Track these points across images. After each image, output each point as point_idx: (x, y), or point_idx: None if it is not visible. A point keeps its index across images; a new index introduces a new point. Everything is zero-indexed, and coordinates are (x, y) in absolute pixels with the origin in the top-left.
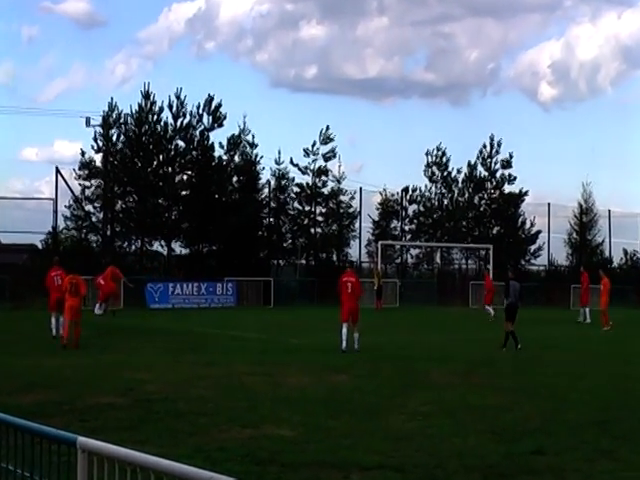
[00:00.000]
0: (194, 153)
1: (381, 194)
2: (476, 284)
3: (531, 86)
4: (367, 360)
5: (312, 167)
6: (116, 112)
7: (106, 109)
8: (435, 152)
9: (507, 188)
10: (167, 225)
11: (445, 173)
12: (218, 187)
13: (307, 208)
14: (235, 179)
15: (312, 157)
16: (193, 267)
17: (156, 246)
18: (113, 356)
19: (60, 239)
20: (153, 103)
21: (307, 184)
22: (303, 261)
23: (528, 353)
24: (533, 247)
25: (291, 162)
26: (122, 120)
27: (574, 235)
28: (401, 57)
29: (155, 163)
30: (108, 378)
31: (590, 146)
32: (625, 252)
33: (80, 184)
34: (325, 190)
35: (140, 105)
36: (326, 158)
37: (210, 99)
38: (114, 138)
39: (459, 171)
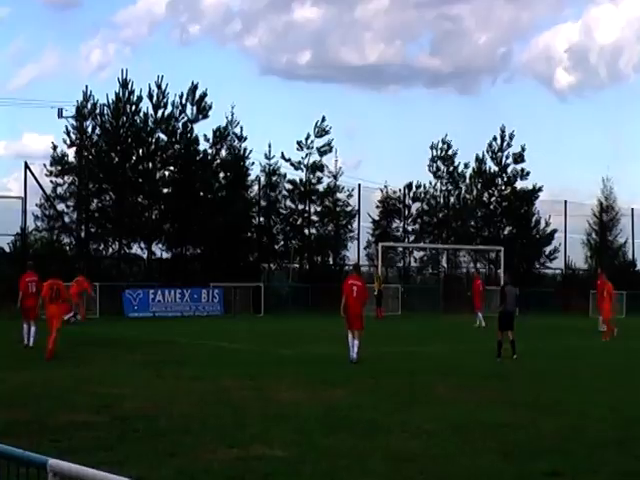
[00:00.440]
0: (177, 147)
1: (381, 191)
2: (486, 289)
3: (546, 73)
4: (366, 373)
5: (306, 162)
6: (91, 102)
7: (80, 99)
8: (440, 145)
9: (519, 184)
10: (147, 226)
11: (451, 168)
12: (203, 184)
13: (300, 207)
14: (222, 175)
15: (306, 151)
16: (176, 272)
17: (135, 249)
18: (88, 369)
19: (30, 241)
20: (132, 92)
21: (300, 180)
22: (296, 265)
23: (542, 365)
24: (548, 249)
25: (283, 157)
26: (98, 111)
27: (593, 235)
28: (403, 41)
29: (134, 158)
30: (82, 394)
31: (611, 138)
32: None
33: (52, 181)
34: (320, 187)
35: (117, 94)
36: (321, 152)
37: (194, 88)
38: (89, 130)
39: (467, 166)
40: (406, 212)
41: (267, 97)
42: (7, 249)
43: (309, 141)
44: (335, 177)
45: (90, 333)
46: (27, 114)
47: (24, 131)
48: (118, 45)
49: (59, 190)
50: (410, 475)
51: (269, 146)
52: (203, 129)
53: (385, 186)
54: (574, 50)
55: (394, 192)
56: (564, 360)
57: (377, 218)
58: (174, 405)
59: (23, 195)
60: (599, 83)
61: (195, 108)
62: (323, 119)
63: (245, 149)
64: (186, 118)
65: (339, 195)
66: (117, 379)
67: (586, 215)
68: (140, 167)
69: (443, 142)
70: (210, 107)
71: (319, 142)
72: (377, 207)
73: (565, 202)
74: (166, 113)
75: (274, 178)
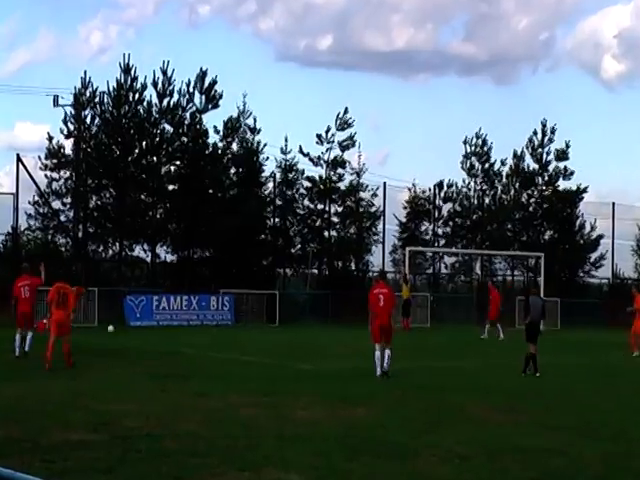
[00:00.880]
0: (183, 139)
1: (409, 190)
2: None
3: (593, 61)
4: (392, 390)
5: (326, 157)
6: (90, 89)
7: (78, 85)
8: (475, 140)
9: (562, 184)
10: (151, 226)
11: (487, 165)
12: (212, 181)
13: (320, 207)
14: (233, 171)
15: (326, 145)
16: (182, 277)
17: (137, 251)
18: (85, 383)
19: (22, 241)
20: (135, 79)
21: (320, 178)
22: (315, 270)
23: (584, 384)
24: (594, 256)
25: (301, 151)
26: (97, 99)
27: None
28: (435, 25)
29: (137, 151)
30: (79, 409)
31: None
32: None
33: (46, 175)
34: (342, 185)
35: (119, 81)
36: (343, 147)
37: (203, 75)
38: (87, 121)
39: (504, 163)
40: (436, 214)
41: (283, 85)
42: None
43: (330, 134)
44: (358, 174)
45: (88, 343)
46: (20, 102)
47: (16, 120)
48: (120, 27)
49: (54, 186)
50: None
51: (285, 139)
52: (213, 120)
53: (413, 185)
54: (624, 36)
55: (423, 191)
56: (608, 378)
57: (404, 220)
58: (180, 423)
59: (15, 191)
60: None
61: (204, 97)
62: (346, 110)
63: (259, 142)
64: (194, 108)
65: (362, 194)
66: (117, 394)
67: (636, 219)
68: (143, 161)
69: (477, 137)
70: (221, 96)
71: (341, 135)
72: (404, 208)
73: (613, 204)
74: (172, 102)
75: (291, 175)
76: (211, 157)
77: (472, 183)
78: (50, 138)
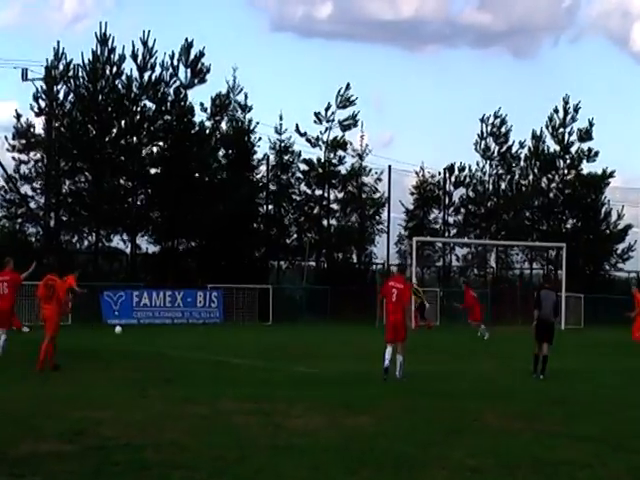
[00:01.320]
0: (167, 118)
1: (417, 174)
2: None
3: (620, 31)
4: (397, 396)
5: (325, 138)
6: (63, 62)
7: (50, 57)
8: (492, 120)
9: (586, 167)
10: (131, 214)
11: (504, 148)
12: (199, 164)
13: (318, 192)
14: (222, 153)
15: (325, 124)
16: (165, 270)
17: (116, 241)
18: (57, 388)
19: None
20: (112, 50)
21: (318, 160)
22: (312, 263)
23: (612, 390)
24: (621, 247)
25: (297, 131)
26: (71, 73)
27: None
28: None
29: (115, 131)
30: (51, 417)
31: None
32: None
33: (14, 158)
34: (343, 169)
35: (95, 53)
36: (344, 126)
37: (188, 46)
38: (60, 97)
39: (522, 145)
40: (447, 200)
41: (278, 58)
42: None
43: (329, 113)
44: (361, 157)
45: (61, 344)
46: None
47: None
48: None
49: (23, 169)
50: None
51: (280, 118)
52: (199, 96)
53: (421, 168)
54: None
55: (432, 176)
56: (636, 383)
57: (411, 207)
58: (162, 432)
59: None
60: None
61: (189, 71)
62: (347, 86)
63: (250, 121)
64: (178, 83)
65: (365, 179)
66: (93, 400)
67: None
68: (122, 142)
69: (495, 116)
70: (208, 70)
71: (342, 114)
72: (411, 194)
73: None
74: (154, 76)
75: (286, 157)
76: (197, 137)
77: (487, 166)
78: (18, 116)
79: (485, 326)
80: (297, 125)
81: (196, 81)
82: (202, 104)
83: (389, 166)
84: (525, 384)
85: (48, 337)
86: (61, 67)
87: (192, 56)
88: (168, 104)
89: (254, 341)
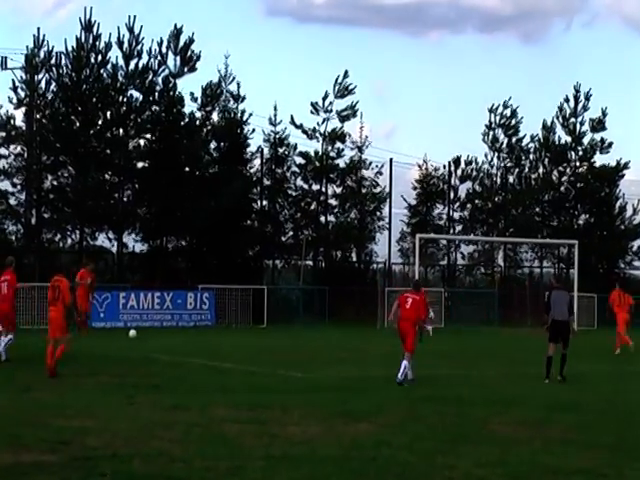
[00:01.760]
0: (155, 109)
1: (420, 168)
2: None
3: (637, 14)
4: (399, 402)
5: (323, 129)
6: (45, 50)
7: (30, 45)
8: (501, 110)
9: (599, 159)
10: (117, 210)
11: (515, 139)
12: (189, 157)
13: (315, 187)
14: (213, 146)
15: (323, 115)
16: (154, 270)
17: (101, 240)
18: (41, 395)
19: None
20: (97, 37)
21: (316, 153)
22: (309, 262)
23: (627, 395)
24: (636, 244)
25: (293, 122)
26: (53, 61)
27: None
28: None
29: (100, 123)
30: (33, 426)
31: None
32: None
33: None
34: (341, 162)
35: (79, 40)
36: (343, 117)
37: (177, 33)
38: (42, 87)
39: (533, 138)
40: (452, 195)
41: (273, 45)
42: None
43: (327, 103)
44: (360, 149)
45: (43, 348)
46: None
47: None
48: None
49: (2, 163)
50: None
51: (275, 109)
52: (189, 86)
53: (424, 161)
54: None
55: (436, 169)
56: None
57: (414, 202)
58: (151, 441)
59: None
60: None
61: (179, 59)
62: (345, 74)
63: (243, 112)
64: (167, 71)
65: (365, 172)
66: (78, 408)
67: None
68: (108, 134)
69: (505, 106)
70: (198, 57)
71: (340, 104)
72: (414, 188)
73: None
74: (141, 65)
75: (281, 150)
76: (187, 129)
77: (495, 159)
78: None
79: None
80: (292, 116)
81: (186, 69)
82: (192, 94)
83: (390, 159)
84: (534, 389)
85: (52, 340)
86: (42, 55)
87: (181, 43)
88: (156, 94)
89: (248, 345)
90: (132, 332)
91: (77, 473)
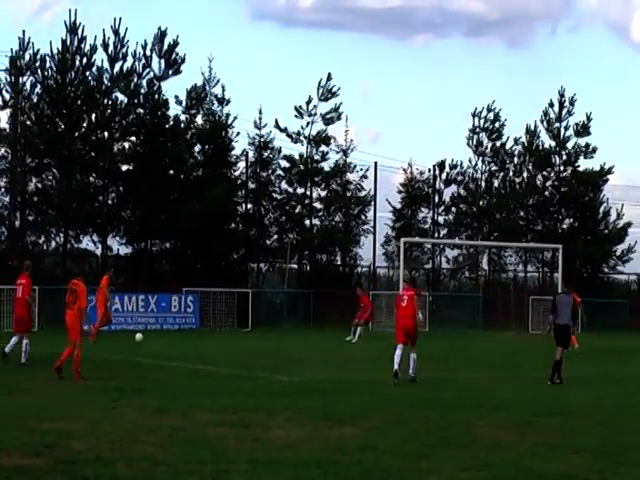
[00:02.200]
0: (140, 111)
1: (405, 171)
2: (539, 299)
3: (621, 20)
4: (384, 406)
5: (307, 133)
6: (30, 52)
7: (15, 47)
8: (485, 114)
9: (583, 164)
10: (101, 213)
11: (499, 143)
12: (174, 160)
13: (300, 191)
14: (198, 149)
15: (307, 119)
16: (138, 273)
17: (86, 242)
18: (24, 398)
19: None
20: (82, 40)
21: (300, 157)
22: (294, 265)
23: (611, 399)
24: (620, 248)
25: (277, 126)
26: (38, 64)
27: None
28: None
29: (85, 125)
30: (17, 430)
31: None
32: None
33: None
34: (326, 165)
35: (64, 43)
36: (327, 120)
37: (162, 35)
38: (27, 89)
39: (517, 142)
40: (437, 199)
41: (258, 49)
42: None
43: (311, 106)
44: (345, 153)
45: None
46: None
47: None
48: None
49: None
50: None
51: (259, 112)
52: (174, 89)
53: (409, 165)
54: None
55: (421, 173)
56: (638, 392)
57: (399, 206)
58: (135, 445)
59: None
60: None
61: (163, 61)
62: (329, 77)
63: (228, 115)
64: (152, 74)
65: (350, 176)
66: (62, 411)
67: None
68: (93, 137)
69: (489, 110)
70: (183, 60)
71: (324, 107)
72: (399, 192)
73: None
74: (126, 68)
75: (266, 153)
76: (172, 132)
77: (479, 163)
78: None
79: (360, 330)
80: (276, 120)
81: (170, 72)
82: (177, 97)
83: (375, 162)
84: (519, 393)
85: (71, 344)
86: (27, 57)
87: (166, 46)
88: (141, 97)
89: (232, 348)
90: (138, 335)
91: (61, 477)
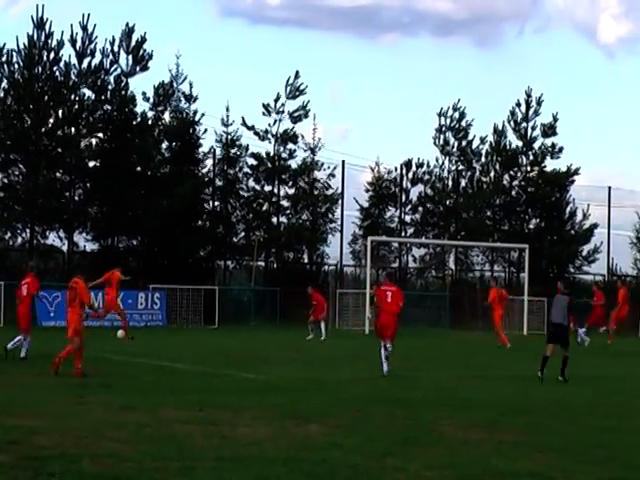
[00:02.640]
0: (107, 108)
1: (372, 170)
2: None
3: (588, 21)
4: (350, 404)
5: (275, 131)
6: None
7: None
8: (451, 113)
9: (550, 164)
10: (68, 209)
11: (464, 142)
12: (141, 157)
13: (267, 188)
14: (165, 146)
15: (275, 116)
16: (104, 269)
17: (52, 238)
18: None
19: None
20: (49, 35)
21: (267, 154)
22: (261, 263)
23: (579, 398)
24: (586, 248)
25: (244, 123)
26: (4, 59)
27: None
28: None
29: (51, 121)
30: None
31: None
32: None
33: None
34: (293, 163)
35: (31, 38)
36: (295, 118)
37: (130, 31)
38: None
39: (483, 141)
40: (403, 198)
41: (226, 46)
42: None
43: (279, 104)
44: (312, 151)
45: None
46: None
47: None
48: None
49: None
50: None
51: (227, 109)
52: (141, 85)
53: (377, 164)
54: None
55: (388, 172)
56: (605, 391)
57: (366, 205)
58: (101, 441)
59: None
60: None
61: (131, 58)
62: (297, 75)
63: (195, 112)
64: (119, 70)
65: (317, 174)
66: (27, 407)
67: (636, 206)
68: (59, 133)
69: (454, 109)
70: (150, 57)
71: (292, 105)
72: (366, 191)
73: (609, 189)
74: (94, 64)
75: (233, 151)
76: (139, 129)
77: (446, 162)
78: None
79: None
80: (243, 118)
81: (138, 69)
82: (144, 93)
83: (342, 161)
84: (485, 392)
85: (74, 341)
86: None
87: (133, 42)
88: (108, 93)
89: (199, 345)
90: (120, 332)
91: (26, 473)
